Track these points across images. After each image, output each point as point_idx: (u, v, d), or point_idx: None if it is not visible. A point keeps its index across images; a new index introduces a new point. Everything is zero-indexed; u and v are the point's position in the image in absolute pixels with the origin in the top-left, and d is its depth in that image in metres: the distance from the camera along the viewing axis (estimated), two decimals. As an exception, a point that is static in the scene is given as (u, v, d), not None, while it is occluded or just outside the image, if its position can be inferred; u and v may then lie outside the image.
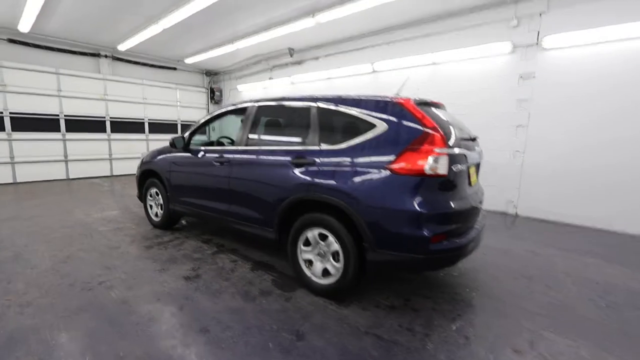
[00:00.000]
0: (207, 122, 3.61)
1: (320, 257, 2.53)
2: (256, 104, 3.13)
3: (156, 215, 4.19)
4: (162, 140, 9.83)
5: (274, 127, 3.09)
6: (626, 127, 4.32)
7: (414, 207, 2.05)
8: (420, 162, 2.06)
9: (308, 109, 2.70)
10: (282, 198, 2.64)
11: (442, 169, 2.07)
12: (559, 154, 4.85)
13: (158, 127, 9.57)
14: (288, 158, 2.64)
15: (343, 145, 2.39)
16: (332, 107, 2.55)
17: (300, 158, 2.57)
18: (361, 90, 5.74)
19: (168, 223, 4.05)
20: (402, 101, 2.28)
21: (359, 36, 6.92)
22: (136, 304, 2.36)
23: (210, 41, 7.61)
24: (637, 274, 3.08)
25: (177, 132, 10.11)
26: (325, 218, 2.40)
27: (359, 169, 2.26)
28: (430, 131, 2.10)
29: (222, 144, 3.97)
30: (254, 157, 2.91)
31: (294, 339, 1.99)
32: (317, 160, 2.46)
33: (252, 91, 9.91)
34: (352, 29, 6.60)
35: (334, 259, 2.43)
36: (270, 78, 9.08)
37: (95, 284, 2.65)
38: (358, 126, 2.38)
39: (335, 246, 2.39)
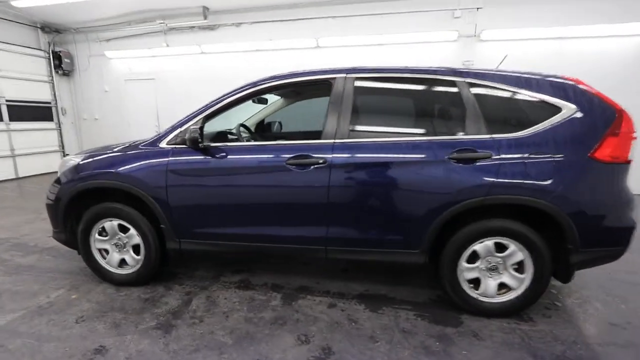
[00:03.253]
0: (236, 102, 2.25)
1: (489, 271, 2.05)
2: (348, 76, 2.15)
3: (120, 264, 2.43)
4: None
5: (397, 112, 2.23)
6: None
7: (628, 196, 1.91)
8: (625, 148, 1.89)
9: (454, 87, 2.05)
10: (440, 207, 1.95)
11: (633, 153, 1.99)
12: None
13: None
14: (443, 153, 1.95)
15: (525, 133, 1.93)
16: (495, 85, 2.02)
17: (465, 152, 1.94)
18: (304, 67, 5.11)
19: (151, 274, 2.42)
20: (579, 80, 2.03)
21: (301, 5, 6.04)
22: None
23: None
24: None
25: (-1, 120, 6.29)
26: (508, 224, 1.94)
27: (556, 160, 1.88)
28: (622, 113, 1.95)
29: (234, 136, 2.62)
30: (380, 155, 2.00)
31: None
32: (494, 153, 1.92)
33: (132, 61, 7.24)
34: (295, -6, 5.68)
35: (515, 270, 2.02)
36: (166, 45, 6.82)
37: None
38: (536, 110, 1.98)
39: (519, 256, 1.98)
